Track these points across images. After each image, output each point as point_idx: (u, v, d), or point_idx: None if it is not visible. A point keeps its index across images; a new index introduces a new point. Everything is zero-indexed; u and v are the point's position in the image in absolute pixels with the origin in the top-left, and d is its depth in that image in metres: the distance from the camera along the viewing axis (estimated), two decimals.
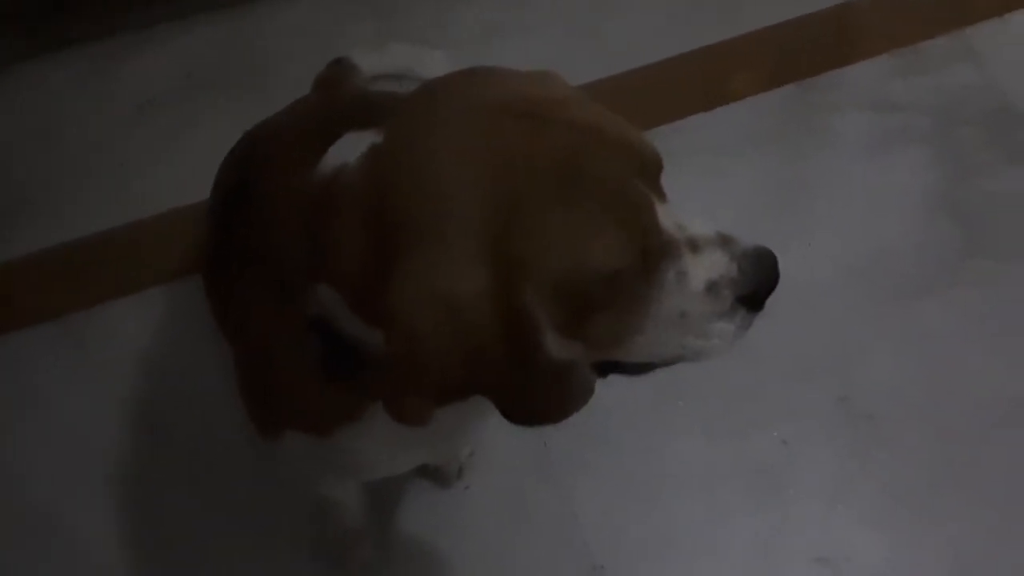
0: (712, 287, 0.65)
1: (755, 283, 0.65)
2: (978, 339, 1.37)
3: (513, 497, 1.24)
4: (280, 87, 1.16)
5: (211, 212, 1.02)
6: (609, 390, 1.29)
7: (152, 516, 1.24)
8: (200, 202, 1.07)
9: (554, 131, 0.61)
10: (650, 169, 0.65)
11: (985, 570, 1.23)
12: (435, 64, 1.38)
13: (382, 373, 0.64)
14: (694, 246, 0.65)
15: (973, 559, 1.23)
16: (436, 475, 1.25)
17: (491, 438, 1.25)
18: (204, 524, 1.23)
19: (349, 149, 0.67)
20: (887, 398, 1.33)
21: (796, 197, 1.48)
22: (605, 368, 0.71)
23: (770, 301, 0.68)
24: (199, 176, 1.11)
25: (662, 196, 0.66)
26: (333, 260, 0.65)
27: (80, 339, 1.33)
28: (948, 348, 1.37)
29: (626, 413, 1.29)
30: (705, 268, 0.65)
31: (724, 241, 0.65)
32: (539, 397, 0.65)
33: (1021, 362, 1.36)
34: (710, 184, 1.46)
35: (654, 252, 0.64)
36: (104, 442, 1.26)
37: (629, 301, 0.64)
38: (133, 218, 1.42)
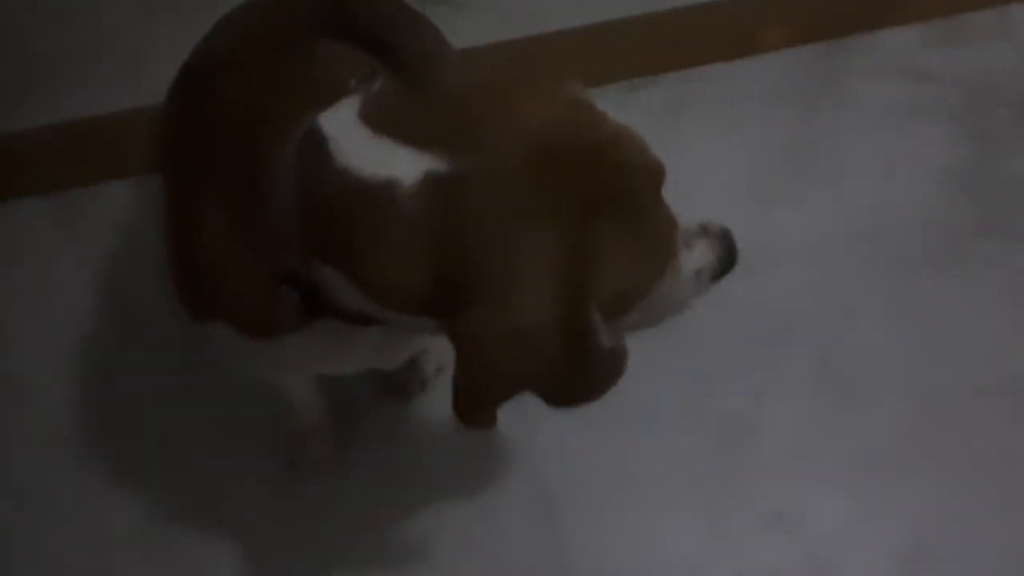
0: (698, 274, 0.78)
1: (725, 266, 0.79)
2: (974, 317, 1.33)
3: None
4: None
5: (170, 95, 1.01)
6: None
7: (115, 394, 1.26)
8: None
9: (608, 172, 0.68)
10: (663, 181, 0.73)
11: (941, 546, 1.19)
12: None
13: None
14: (687, 242, 0.76)
15: (932, 534, 1.20)
16: (397, 388, 1.25)
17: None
18: (165, 412, 1.24)
19: (367, 149, 0.67)
20: (869, 364, 1.29)
21: (802, 156, 1.44)
22: None
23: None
24: None
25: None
26: (363, 265, 0.68)
27: (70, 214, 1.35)
28: (941, 322, 1.32)
29: None
30: (693, 260, 0.77)
31: (703, 230, 0.78)
32: (587, 384, 0.75)
33: (1016, 344, 1.31)
34: (721, 134, 1.44)
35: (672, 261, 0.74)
36: (77, 315, 1.28)
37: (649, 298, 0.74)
38: (135, 105, 1.43)
